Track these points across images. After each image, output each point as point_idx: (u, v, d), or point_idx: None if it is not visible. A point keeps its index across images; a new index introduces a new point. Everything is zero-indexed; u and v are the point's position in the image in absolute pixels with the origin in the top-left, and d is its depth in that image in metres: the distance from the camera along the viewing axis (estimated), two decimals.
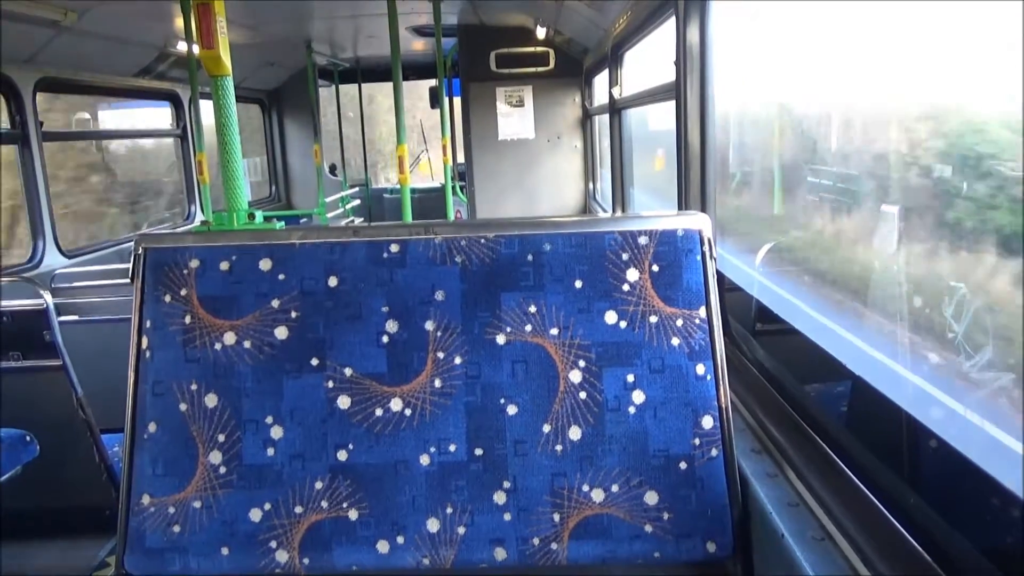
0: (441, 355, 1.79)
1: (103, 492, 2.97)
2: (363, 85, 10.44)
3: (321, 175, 8.71)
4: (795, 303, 2.31)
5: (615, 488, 1.74)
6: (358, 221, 8.95)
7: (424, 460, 1.76)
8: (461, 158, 8.56)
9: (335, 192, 9.22)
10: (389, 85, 10.51)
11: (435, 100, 8.76)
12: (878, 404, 1.74)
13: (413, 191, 5.39)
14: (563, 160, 8.05)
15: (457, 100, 8.35)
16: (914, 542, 1.35)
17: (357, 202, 9.57)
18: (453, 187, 6.96)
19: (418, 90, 10.81)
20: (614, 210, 5.82)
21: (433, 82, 9.51)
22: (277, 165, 9.87)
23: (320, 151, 8.79)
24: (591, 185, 7.90)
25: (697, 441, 1.75)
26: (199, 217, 7.17)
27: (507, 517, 1.74)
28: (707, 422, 1.76)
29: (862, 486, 1.54)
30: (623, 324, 1.78)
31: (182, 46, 5.89)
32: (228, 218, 3.11)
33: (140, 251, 1.84)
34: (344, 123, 10.61)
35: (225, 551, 1.74)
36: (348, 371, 1.78)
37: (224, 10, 2.90)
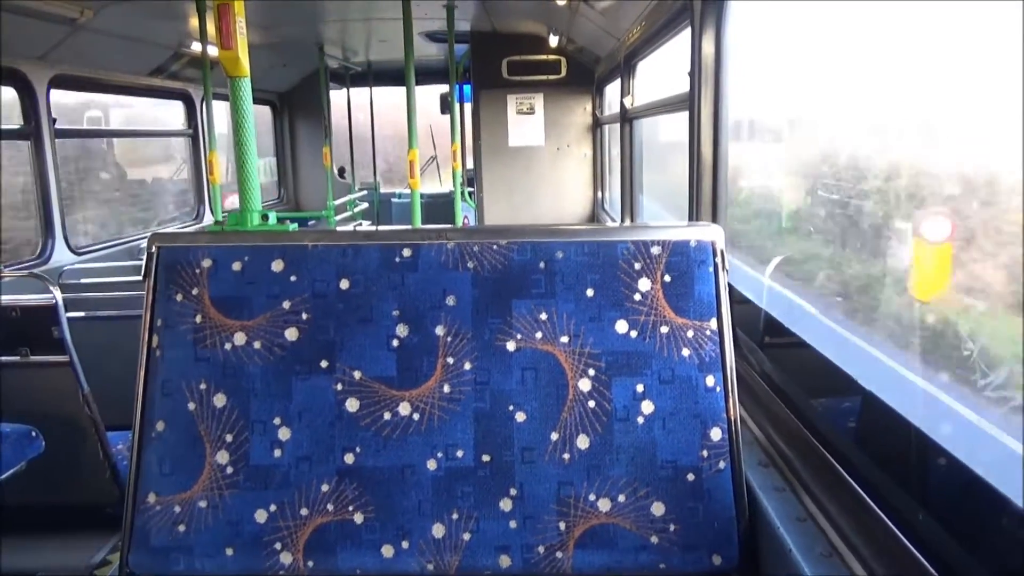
0: (451, 360, 1.78)
1: (107, 489, 2.97)
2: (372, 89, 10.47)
3: (331, 178, 8.73)
4: (812, 313, 2.30)
5: (622, 498, 1.73)
6: (365, 224, 8.97)
7: (431, 465, 1.75)
8: (470, 164, 8.58)
9: (343, 195, 9.24)
10: (389, 90, 10.60)
11: (446, 106, 8.79)
12: (888, 419, 1.72)
13: (421, 196, 5.42)
14: (572, 168, 8.06)
15: (467, 106, 8.39)
16: (924, 561, 1.33)
17: (365, 205, 9.58)
18: (462, 193, 6.97)
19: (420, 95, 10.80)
20: (623, 219, 5.82)
21: (443, 88, 9.55)
22: (287, 167, 9.90)
23: (330, 153, 8.81)
24: (600, 194, 7.90)
25: (705, 453, 1.74)
26: (208, 217, 7.19)
27: (513, 524, 1.73)
28: (716, 434, 1.75)
29: (871, 502, 1.53)
30: (633, 334, 1.78)
31: (196, 46, 5.92)
32: (242, 218, 3.11)
33: (153, 249, 1.84)
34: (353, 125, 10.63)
35: (230, 551, 1.74)
36: (357, 374, 1.78)
37: (244, 11, 2.91)
